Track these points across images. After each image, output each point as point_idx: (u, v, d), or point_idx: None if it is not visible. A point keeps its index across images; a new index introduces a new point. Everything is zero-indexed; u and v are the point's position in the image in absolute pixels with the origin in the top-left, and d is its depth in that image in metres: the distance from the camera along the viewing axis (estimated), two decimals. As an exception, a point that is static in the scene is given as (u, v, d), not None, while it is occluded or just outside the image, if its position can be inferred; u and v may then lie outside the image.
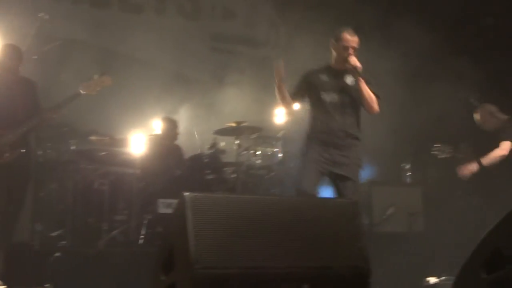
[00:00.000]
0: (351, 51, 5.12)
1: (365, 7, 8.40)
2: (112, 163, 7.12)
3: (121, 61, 8.59)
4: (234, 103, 8.37)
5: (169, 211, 6.27)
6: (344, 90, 5.21)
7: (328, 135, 5.16)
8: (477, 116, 6.83)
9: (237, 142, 7.37)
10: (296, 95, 5.38)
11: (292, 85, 5.40)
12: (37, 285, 5.31)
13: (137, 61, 8.91)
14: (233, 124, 7.34)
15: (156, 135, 7.60)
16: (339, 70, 5.26)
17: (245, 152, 7.42)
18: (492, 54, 8.04)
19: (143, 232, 6.51)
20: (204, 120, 8.22)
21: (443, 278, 6.05)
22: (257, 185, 7.30)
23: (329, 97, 5.19)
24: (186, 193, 2.95)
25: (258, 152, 7.48)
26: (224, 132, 7.47)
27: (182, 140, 8.04)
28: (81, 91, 5.64)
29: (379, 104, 5.19)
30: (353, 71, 5.10)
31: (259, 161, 7.53)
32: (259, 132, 7.50)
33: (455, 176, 6.66)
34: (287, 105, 5.38)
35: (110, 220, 6.71)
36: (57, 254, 5.62)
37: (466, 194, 7.16)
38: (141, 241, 6.48)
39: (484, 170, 6.43)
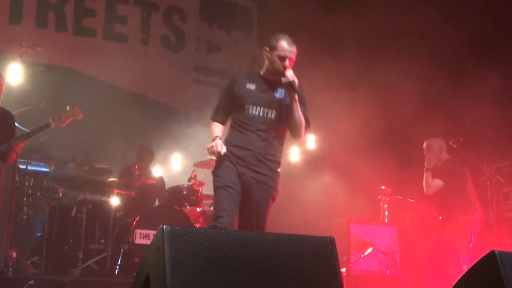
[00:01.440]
0: (288, 62, 4.47)
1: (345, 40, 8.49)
2: (90, 191, 7.07)
3: (103, 89, 8.61)
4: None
5: (146, 242, 6.25)
6: (273, 105, 4.51)
7: (244, 153, 4.47)
8: (427, 145, 6.99)
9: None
10: (219, 113, 4.69)
11: (216, 103, 4.78)
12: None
13: (119, 90, 8.93)
14: (213, 157, 7.29)
15: (134, 164, 7.55)
16: (269, 81, 4.57)
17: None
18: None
19: (119, 262, 6.44)
20: (184, 152, 8.19)
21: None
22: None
23: (255, 111, 4.48)
24: (165, 225, 2.89)
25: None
26: (204, 164, 7.43)
27: (161, 171, 8.02)
28: (51, 123, 5.70)
29: (306, 131, 4.63)
30: (288, 86, 4.41)
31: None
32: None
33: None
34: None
35: (86, 249, 6.68)
36: (31, 282, 5.54)
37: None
38: (117, 271, 6.41)
39: None
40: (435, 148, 6.94)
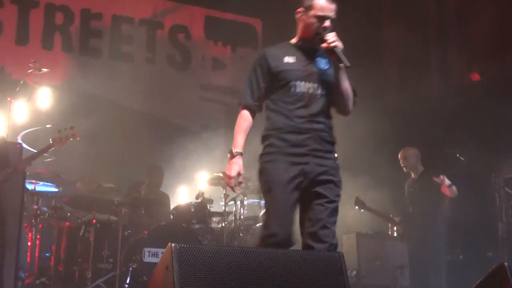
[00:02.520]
0: (327, 23, 3.73)
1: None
2: (98, 211, 7.04)
3: (110, 108, 8.62)
4: (222, 153, 8.32)
5: (155, 260, 6.22)
6: (319, 79, 3.78)
7: (301, 138, 3.72)
8: (402, 163, 7.09)
9: (224, 192, 7.30)
10: (255, 97, 3.83)
11: (247, 85, 3.87)
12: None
13: (126, 109, 8.94)
14: (221, 174, 7.29)
15: (143, 183, 7.54)
16: (306, 50, 3.84)
17: (232, 202, 7.35)
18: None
19: (128, 281, 6.42)
20: (192, 169, 8.16)
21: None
22: (244, 235, 7.22)
23: (303, 87, 3.75)
24: (173, 244, 2.90)
25: (245, 202, 7.40)
26: (211, 181, 7.41)
27: (169, 189, 7.99)
28: (51, 144, 5.73)
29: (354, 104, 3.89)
30: (331, 52, 3.68)
31: (246, 212, 7.45)
32: (247, 183, 7.42)
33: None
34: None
35: (94, 268, 6.62)
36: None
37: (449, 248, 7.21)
38: (126, 290, 6.37)
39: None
40: (412, 158, 7.02)
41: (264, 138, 3.83)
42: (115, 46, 9.29)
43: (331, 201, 3.70)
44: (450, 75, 9.27)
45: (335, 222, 3.71)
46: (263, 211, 7.53)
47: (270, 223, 3.71)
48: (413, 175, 7.08)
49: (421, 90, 9.41)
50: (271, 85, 3.81)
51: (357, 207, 7.39)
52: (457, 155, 6.86)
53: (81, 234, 6.86)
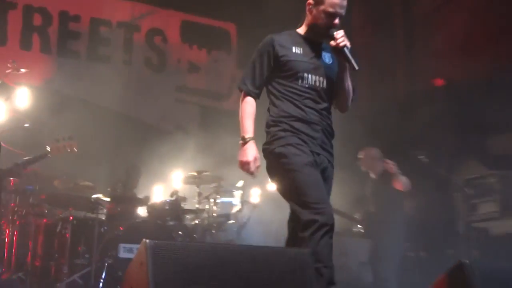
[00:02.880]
0: (337, 20, 3.55)
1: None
2: (75, 208, 7.04)
3: (88, 109, 8.61)
4: (196, 153, 8.39)
5: (130, 256, 6.21)
6: (323, 73, 3.63)
7: (310, 128, 3.57)
8: (362, 163, 7.18)
9: (198, 190, 7.37)
10: (256, 84, 3.66)
11: (250, 71, 3.69)
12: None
13: (103, 110, 8.93)
14: (195, 173, 7.37)
15: (119, 181, 7.56)
16: (313, 43, 3.68)
17: (205, 200, 7.41)
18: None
19: (103, 276, 6.39)
20: (166, 169, 8.21)
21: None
22: (217, 232, 7.28)
23: (311, 79, 3.60)
24: (147, 240, 2.91)
25: (218, 201, 7.47)
26: (185, 180, 7.47)
27: (144, 187, 8.01)
28: (48, 152, 5.67)
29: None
30: (338, 51, 3.52)
31: (218, 209, 7.52)
32: (219, 182, 7.52)
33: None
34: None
35: (71, 264, 6.57)
36: (16, 297, 5.50)
37: (412, 245, 7.33)
38: (101, 285, 6.37)
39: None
40: (368, 158, 7.14)
41: (273, 124, 3.62)
42: (93, 48, 9.26)
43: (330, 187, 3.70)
44: (416, 79, 9.43)
45: None
46: (235, 208, 7.67)
47: (307, 197, 3.39)
48: (372, 175, 7.14)
49: (389, 93, 9.55)
50: (277, 73, 3.64)
51: None
52: (420, 157, 6.97)
53: (58, 230, 6.81)
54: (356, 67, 3.50)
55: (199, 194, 7.34)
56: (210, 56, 10.14)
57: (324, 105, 3.63)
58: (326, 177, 3.61)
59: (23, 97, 6.98)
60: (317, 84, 3.60)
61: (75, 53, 9.20)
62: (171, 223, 7.00)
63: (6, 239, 6.80)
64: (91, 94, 8.83)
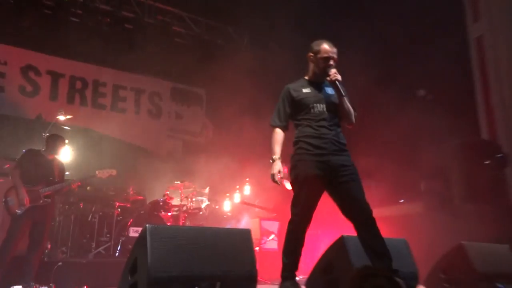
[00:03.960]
0: (331, 62, 3.39)
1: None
2: (100, 205, 6.92)
3: (110, 141, 8.51)
4: (179, 170, 8.39)
5: (136, 235, 6.10)
6: (328, 100, 3.43)
7: (322, 141, 3.33)
8: None
9: (180, 192, 7.34)
10: (282, 119, 3.46)
11: (276, 112, 3.48)
12: (45, 285, 5.01)
13: (120, 142, 8.80)
14: (179, 182, 7.36)
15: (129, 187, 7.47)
16: (316, 83, 3.49)
17: (185, 198, 7.37)
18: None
19: (118, 248, 6.31)
20: (160, 179, 8.15)
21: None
22: (192, 219, 7.22)
23: (319, 107, 3.41)
24: (148, 225, 2.89)
25: (193, 199, 7.44)
26: (173, 186, 7.44)
27: (146, 191, 7.92)
28: (97, 174, 5.58)
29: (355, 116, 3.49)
30: (333, 83, 3.35)
31: (193, 205, 7.48)
32: (194, 187, 7.52)
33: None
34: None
35: (97, 241, 6.47)
36: (60, 264, 5.35)
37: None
38: (117, 254, 6.27)
39: None
40: None
41: (296, 143, 3.42)
42: (114, 103, 9.16)
43: (355, 180, 3.26)
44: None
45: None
46: (204, 204, 7.65)
47: (295, 208, 3.29)
48: None
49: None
50: (296, 109, 3.44)
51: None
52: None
53: (89, 219, 6.72)
54: (344, 94, 3.34)
55: (182, 195, 7.31)
56: (189, 109, 10.12)
57: (331, 122, 3.39)
58: (345, 175, 3.24)
59: (67, 135, 6.83)
60: (324, 109, 3.40)
61: (102, 106, 9.06)
62: (163, 213, 6.92)
63: (55, 226, 6.63)
64: (113, 132, 8.70)
